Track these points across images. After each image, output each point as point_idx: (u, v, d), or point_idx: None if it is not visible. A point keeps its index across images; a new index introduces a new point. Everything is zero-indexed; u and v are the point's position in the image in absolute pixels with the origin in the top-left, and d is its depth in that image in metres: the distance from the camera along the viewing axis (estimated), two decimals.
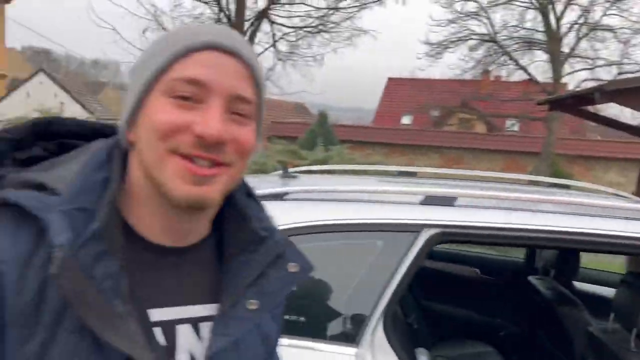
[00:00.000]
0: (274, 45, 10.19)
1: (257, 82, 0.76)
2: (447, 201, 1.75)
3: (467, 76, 14.80)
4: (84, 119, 0.80)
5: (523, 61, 14.49)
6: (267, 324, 0.88)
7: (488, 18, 13.91)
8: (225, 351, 0.78)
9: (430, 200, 1.74)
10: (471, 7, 13.97)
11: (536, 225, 1.73)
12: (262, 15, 9.81)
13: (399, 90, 25.90)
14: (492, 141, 23.02)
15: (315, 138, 15.10)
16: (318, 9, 10.04)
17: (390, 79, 26.85)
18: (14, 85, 25.26)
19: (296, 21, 10.16)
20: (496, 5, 13.72)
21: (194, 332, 0.80)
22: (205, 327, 0.81)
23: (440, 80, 18.89)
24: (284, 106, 23.25)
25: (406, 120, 26.63)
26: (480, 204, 1.80)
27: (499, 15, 14.14)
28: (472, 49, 14.21)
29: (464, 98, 17.07)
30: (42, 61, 50.30)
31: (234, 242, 0.84)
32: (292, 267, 0.83)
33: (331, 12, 10.09)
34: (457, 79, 15.69)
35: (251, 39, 9.71)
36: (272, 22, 10.06)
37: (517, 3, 13.88)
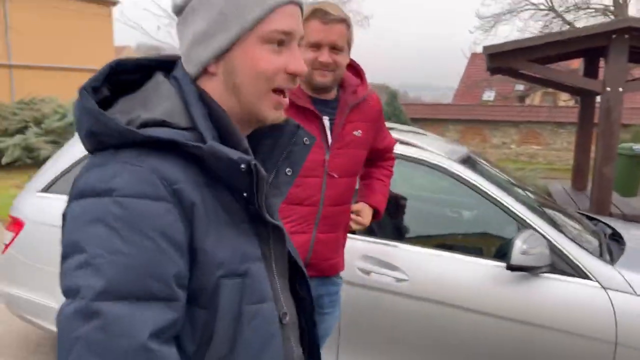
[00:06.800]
0: None
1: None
2: None
3: None
4: (142, 57, 0.98)
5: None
6: None
7: None
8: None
9: None
10: None
11: None
12: None
13: (481, 66, 25.39)
14: (571, 113, 21.91)
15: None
16: None
17: (473, 54, 26.31)
18: None
19: None
20: None
21: None
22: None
23: None
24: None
25: (489, 96, 26.06)
26: None
27: None
28: (529, 19, 13.96)
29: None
30: None
31: (262, 131, 1.03)
32: (306, 141, 1.07)
33: None
34: None
35: None
36: None
37: None
